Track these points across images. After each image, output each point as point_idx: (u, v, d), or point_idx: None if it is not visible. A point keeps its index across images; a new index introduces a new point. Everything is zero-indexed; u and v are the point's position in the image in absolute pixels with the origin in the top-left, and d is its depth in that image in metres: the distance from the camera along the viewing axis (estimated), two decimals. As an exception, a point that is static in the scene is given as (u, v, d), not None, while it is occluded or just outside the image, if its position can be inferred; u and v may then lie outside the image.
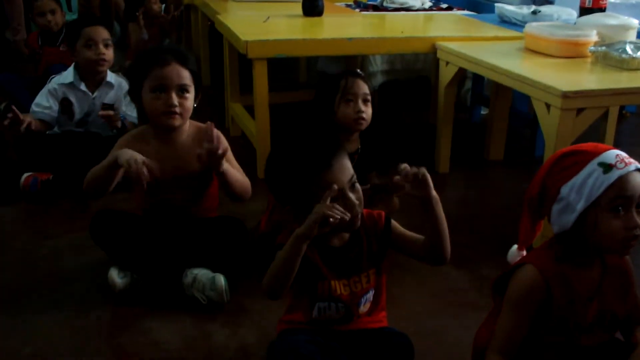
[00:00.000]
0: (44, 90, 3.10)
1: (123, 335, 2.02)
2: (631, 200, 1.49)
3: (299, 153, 1.70)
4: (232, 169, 2.16)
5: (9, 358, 1.89)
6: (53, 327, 2.03)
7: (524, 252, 1.70)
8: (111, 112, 2.93)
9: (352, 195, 1.65)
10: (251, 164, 3.09)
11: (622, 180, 1.48)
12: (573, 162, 1.55)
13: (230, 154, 2.20)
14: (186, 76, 2.14)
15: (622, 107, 4.33)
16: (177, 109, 2.12)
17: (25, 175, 2.90)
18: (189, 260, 2.21)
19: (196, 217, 2.29)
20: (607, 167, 1.49)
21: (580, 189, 1.51)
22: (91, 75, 3.10)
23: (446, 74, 3.15)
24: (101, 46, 3.03)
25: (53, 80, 3.13)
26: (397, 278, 2.27)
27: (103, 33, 3.07)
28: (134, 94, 2.21)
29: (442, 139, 3.31)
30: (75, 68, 3.11)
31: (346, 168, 1.69)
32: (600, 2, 3.20)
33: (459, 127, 3.74)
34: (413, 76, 4.31)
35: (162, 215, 2.27)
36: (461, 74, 3.13)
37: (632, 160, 1.52)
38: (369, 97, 2.44)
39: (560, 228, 1.58)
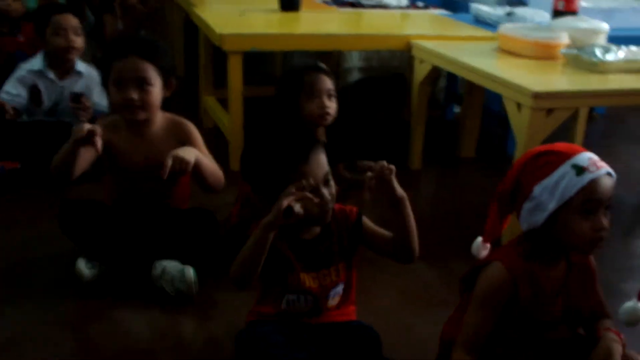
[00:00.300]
0: (12, 77, 3.06)
1: (91, 325, 2.01)
2: (600, 203, 1.53)
3: (278, 144, 1.72)
4: (205, 159, 2.13)
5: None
6: (23, 316, 2.01)
7: (488, 245, 1.72)
8: (83, 104, 2.91)
9: (325, 191, 1.66)
10: (224, 156, 3.05)
11: (594, 184, 1.51)
12: (547, 161, 1.57)
13: (201, 144, 2.21)
14: (146, 69, 2.10)
15: (591, 109, 4.38)
16: (137, 103, 2.08)
17: (-7, 163, 2.87)
18: (158, 251, 2.18)
19: (166, 208, 2.27)
20: (580, 170, 1.52)
21: (553, 190, 1.54)
22: (60, 63, 3.06)
23: (420, 72, 3.16)
24: (71, 34, 2.99)
25: (22, 66, 3.09)
26: (367, 273, 2.24)
27: (73, 21, 3.03)
28: (105, 85, 2.19)
29: (415, 135, 3.31)
30: (45, 56, 3.07)
31: (322, 163, 1.72)
32: (572, 6, 3.23)
33: (433, 124, 3.75)
34: (389, 73, 4.30)
35: (131, 206, 2.25)
36: (435, 72, 3.13)
37: (603, 164, 1.55)
38: (333, 92, 2.42)
39: (529, 226, 1.60)
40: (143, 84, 2.09)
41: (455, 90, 4.14)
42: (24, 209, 2.72)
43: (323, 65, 2.51)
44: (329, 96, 2.40)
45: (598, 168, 1.53)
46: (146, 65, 2.10)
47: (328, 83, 2.41)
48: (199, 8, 3.58)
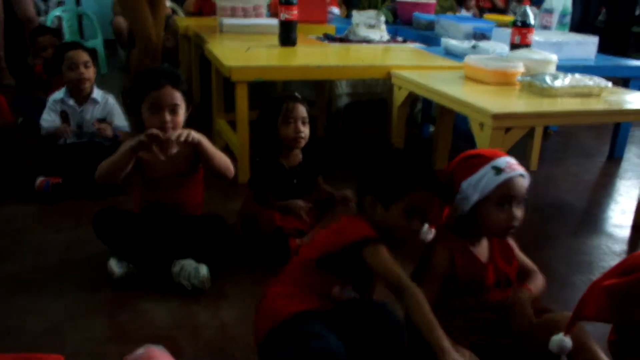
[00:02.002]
0: (46, 108, 3.14)
1: (121, 315, 2.03)
2: (513, 198, 1.63)
3: None
4: (210, 144, 2.22)
5: (26, 334, 1.90)
6: (63, 308, 2.05)
7: (433, 229, 1.75)
8: (103, 126, 3.02)
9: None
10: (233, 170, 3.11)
11: (509, 182, 1.62)
12: (473, 163, 1.67)
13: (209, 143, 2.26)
14: (177, 96, 2.18)
15: (546, 127, 4.41)
16: (169, 125, 2.15)
17: (39, 179, 2.92)
18: (177, 252, 2.22)
19: (184, 215, 2.31)
20: (498, 171, 1.63)
21: (476, 186, 1.64)
22: (77, 92, 3.12)
23: (399, 97, 3.18)
24: (82, 67, 3.06)
25: (49, 98, 3.17)
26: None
27: (83, 56, 3.09)
28: (134, 109, 2.24)
29: (395, 151, 3.33)
30: (66, 87, 3.15)
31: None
32: (527, 40, 3.26)
33: (412, 141, 3.78)
34: (374, 98, 4.33)
35: (155, 214, 2.29)
36: (412, 96, 3.16)
37: (518, 166, 1.66)
38: (307, 119, 2.47)
39: (459, 213, 1.70)
40: (174, 109, 2.17)
41: (429, 112, 4.17)
42: (65, 216, 2.75)
43: (299, 96, 2.55)
44: (303, 122, 2.44)
45: (513, 170, 1.63)
46: (177, 94, 2.18)
47: (303, 111, 2.45)
48: (211, 45, 3.62)
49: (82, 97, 3.12)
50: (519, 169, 1.65)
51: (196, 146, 2.16)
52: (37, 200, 2.90)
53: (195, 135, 2.15)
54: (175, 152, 2.18)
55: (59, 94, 3.14)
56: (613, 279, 1.31)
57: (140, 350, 1.24)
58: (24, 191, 2.95)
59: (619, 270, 1.35)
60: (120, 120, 3.15)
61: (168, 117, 2.15)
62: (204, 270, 2.16)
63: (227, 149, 3.53)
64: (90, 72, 3.11)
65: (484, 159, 1.66)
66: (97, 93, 3.16)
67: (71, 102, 3.12)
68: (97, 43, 6.10)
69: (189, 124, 2.32)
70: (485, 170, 1.63)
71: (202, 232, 2.26)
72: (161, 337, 1.91)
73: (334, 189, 2.60)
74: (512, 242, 1.81)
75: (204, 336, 1.95)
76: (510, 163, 1.65)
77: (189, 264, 2.18)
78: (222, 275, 2.25)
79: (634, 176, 3.67)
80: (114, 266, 2.19)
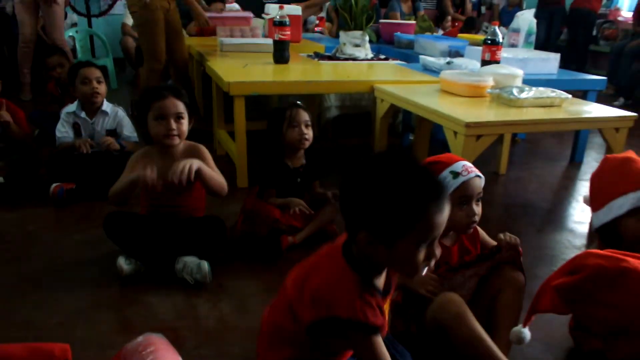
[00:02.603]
0: (60, 120, 3.12)
1: (128, 308, 2.01)
2: (471, 197, 1.66)
3: None
4: (208, 169, 2.20)
5: (40, 326, 1.88)
6: (75, 302, 2.02)
7: None
8: (109, 141, 3.00)
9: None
10: (232, 176, 3.09)
11: (465, 184, 1.64)
12: (434, 169, 1.65)
13: (210, 161, 2.27)
14: (180, 106, 2.19)
15: (514, 134, 4.41)
16: (175, 132, 2.16)
17: (54, 185, 2.89)
18: (180, 250, 2.20)
19: (187, 216, 2.29)
20: (456, 174, 1.65)
21: None
22: (89, 106, 3.10)
23: (381, 109, 3.17)
24: (94, 82, 3.05)
25: (63, 111, 3.16)
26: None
27: (95, 72, 3.09)
28: (141, 121, 2.24)
29: (378, 158, 3.32)
30: (79, 101, 3.13)
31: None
32: (496, 57, 3.27)
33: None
34: (360, 111, 4.32)
35: (160, 216, 2.27)
36: (393, 108, 3.14)
37: (474, 169, 1.68)
38: (309, 123, 2.48)
39: None
40: (179, 117, 2.17)
41: (409, 122, 4.16)
42: (78, 219, 2.73)
43: (300, 103, 2.55)
44: (306, 126, 2.46)
45: (469, 172, 1.65)
46: (180, 103, 2.18)
47: (305, 116, 2.46)
48: (212, 62, 3.61)
49: (93, 110, 3.11)
50: (474, 171, 1.67)
51: (196, 174, 2.13)
52: (51, 205, 2.87)
53: (195, 166, 2.10)
54: (178, 158, 2.17)
55: (71, 107, 3.13)
56: (562, 278, 1.32)
57: (140, 338, 1.22)
58: (39, 197, 2.92)
59: (567, 269, 1.36)
60: (129, 131, 3.14)
61: (174, 124, 2.16)
62: (205, 266, 2.14)
63: (227, 157, 3.52)
64: (102, 87, 3.10)
65: (443, 165, 1.68)
66: (106, 106, 3.15)
67: (83, 114, 3.10)
68: (107, 61, 6.09)
69: (193, 134, 2.32)
70: (445, 175, 1.65)
71: (203, 232, 2.25)
72: (165, 327, 1.89)
73: (325, 190, 2.61)
74: (479, 229, 1.82)
75: (204, 326, 1.93)
76: (466, 167, 1.67)
77: (191, 260, 2.17)
78: (221, 271, 2.23)
79: (588, 174, 3.70)
80: (123, 264, 2.17)
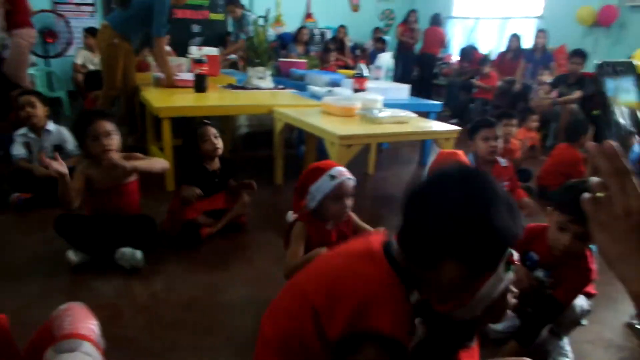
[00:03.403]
0: (14, 143, 2.87)
1: (78, 292, 1.91)
2: (344, 195, 1.69)
3: None
4: (142, 162, 2.14)
5: (3, 311, 1.72)
6: (32, 290, 1.90)
7: (295, 214, 1.81)
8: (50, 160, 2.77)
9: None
10: (162, 182, 3.01)
11: (340, 185, 1.67)
12: (315, 173, 1.71)
13: (143, 158, 2.20)
14: (109, 125, 2.06)
15: (380, 145, 4.56)
16: (109, 147, 2.05)
17: (14, 195, 2.69)
18: (119, 242, 2.11)
19: (124, 215, 2.19)
20: (332, 177, 1.68)
21: (319, 189, 1.68)
22: (32, 127, 2.87)
23: (278, 127, 3.18)
24: (28, 108, 2.82)
25: (15, 134, 2.90)
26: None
27: (30, 99, 2.85)
28: (80, 142, 2.12)
29: (277, 164, 3.33)
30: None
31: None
32: (363, 87, 3.38)
33: (291, 158, 3.80)
34: (265, 129, 4.29)
35: (102, 215, 2.16)
36: (288, 126, 3.17)
37: (346, 174, 1.70)
38: (218, 135, 2.45)
39: (311, 207, 1.73)
40: (109, 134, 2.05)
41: (302, 137, 4.20)
42: (34, 222, 2.54)
43: (208, 122, 2.51)
44: (215, 137, 2.42)
45: (342, 175, 1.69)
46: (108, 124, 2.06)
47: (213, 130, 2.43)
48: (145, 92, 3.46)
49: (38, 129, 2.88)
50: (346, 175, 1.70)
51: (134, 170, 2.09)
52: (11, 211, 2.66)
53: (128, 165, 2.06)
54: (115, 171, 2.08)
55: (22, 129, 2.89)
56: None
57: (63, 306, 1.15)
58: (0, 206, 2.69)
59: None
60: (72, 145, 2.92)
61: (107, 141, 2.04)
62: (138, 254, 2.07)
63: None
64: (36, 111, 2.84)
65: (322, 171, 1.70)
66: (50, 125, 2.92)
67: (31, 134, 2.87)
68: (62, 93, 5.81)
69: (132, 150, 2.24)
70: (324, 178, 1.67)
71: (137, 227, 2.16)
72: (107, 304, 1.83)
73: (238, 182, 2.58)
74: (353, 215, 1.85)
75: (139, 301, 1.87)
76: (340, 171, 1.70)
77: (127, 250, 2.09)
78: (153, 258, 2.17)
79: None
80: (71, 256, 2.07)
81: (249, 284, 2.01)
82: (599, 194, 0.65)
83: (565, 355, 1.68)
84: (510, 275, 0.93)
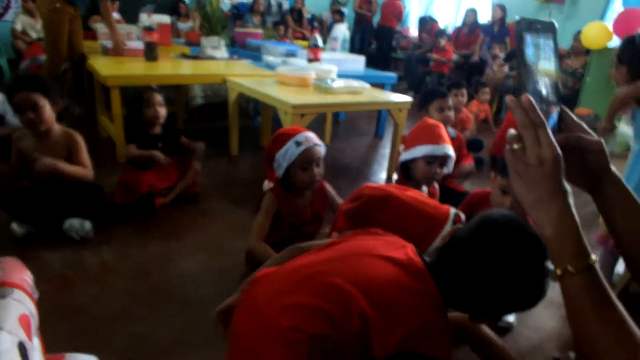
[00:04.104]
0: None
1: (25, 263, 1.82)
2: (311, 162, 1.65)
3: None
4: (68, 167, 2.01)
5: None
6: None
7: (271, 184, 1.78)
8: None
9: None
10: (113, 152, 2.94)
11: (307, 151, 1.63)
12: (281, 139, 1.66)
13: (83, 149, 2.08)
14: (33, 97, 1.92)
15: (337, 116, 4.59)
16: (35, 120, 1.94)
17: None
18: (67, 213, 2.07)
19: (71, 184, 2.11)
20: (298, 144, 1.63)
21: (285, 156, 1.64)
22: None
23: (232, 96, 3.16)
24: None
25: None
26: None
27: None
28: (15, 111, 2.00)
29: (232, 134, 3.31)
30: None
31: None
32: (317, 57, 3.38)
33: (247, 129, 3.79)
34: (221, 100, 4.23)
35: (47, 186, 2.09)
36: (242, 96, 3.14)
37: (313, 139, 1.66)
38: (162, 102, 2.40)
39: (279, 175, 1.70)
40: (35, 107, 1.93)
41: (258, 108, 4.18)
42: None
43: (155, 87, 2.47)
44: (160, 105, 2.38)
45: (309, 141, 1.64)
46: (34, 95, 1.92)
47: (158, 97, 2.39)
48: (93, 60, 3.34)
49: None
50: (315, 141, 1.65)
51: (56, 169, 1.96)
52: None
53: (54, 166, 1.94)
54: (53, 145, 2.02)
55: None
56: (348, 204, 1.38)
57: None
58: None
59: (351, 198, 1.43)
60: (11, 115, 2.78)
61: (31, 115, 1.92)
62: (87, 224, 2.04)
63: (109, 138, 3.32)
64: None
65: (288, 136, 1.64)
66: None
67: None
68: (2, 62, 5.46)
69: (83, 120, 2.16)
70: (290, 144, 1.62)
71: (84, 197, 2.12)
72: (56, 275, 1.80)
73: (191, 141, 2.56)
74: (328, 187, 1.84)
75: (90, 270, 1.86)
76: (307, 137, 1.64)
77: (76, 221, 2.05)
78: (104, 228, 2.14)
79: (388, 145, 3.98)
80: (16, 228, 2.01)
81: (202, 253, 2.02)
82: (515, 146, 0.70)
83: (509, 314, 1.78)
84: None
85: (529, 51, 0.71)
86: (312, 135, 1.67)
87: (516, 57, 0.71)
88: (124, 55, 3.56)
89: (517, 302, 0.92)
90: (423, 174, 1.79)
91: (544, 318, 1.82)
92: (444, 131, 1.82)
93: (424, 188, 1.87)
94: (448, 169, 1.82)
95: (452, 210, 1.19)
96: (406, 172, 1.85)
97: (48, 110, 1.98)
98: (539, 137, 0.67)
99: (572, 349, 1.54)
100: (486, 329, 1.34)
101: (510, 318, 1.73)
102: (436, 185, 1.94)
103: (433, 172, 1.77)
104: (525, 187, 0.68)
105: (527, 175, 0.68)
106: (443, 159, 1.78)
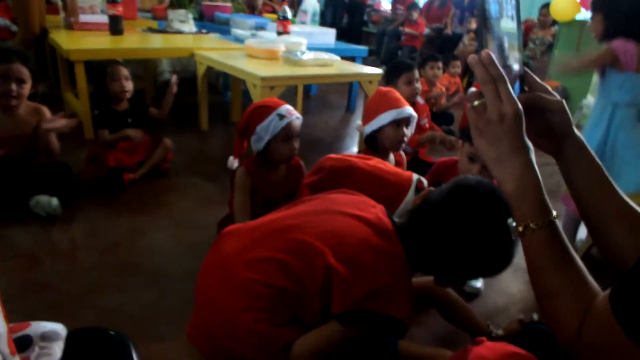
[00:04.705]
0: None
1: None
2: (292, 135, 1.63)
3: None
4: (54, 139, 2.07)
5: None
6: None
7: (237, 159, 1.76)
8: None
9: None
10: (80, 130, 2.85)
11: (288, 125, 1.61)
12: (262, 112, 1.62)
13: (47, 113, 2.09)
14: (24, 72, 1.93)
15: (308, 91, 4.57)
16: (14, 93, 1.92)
17: None
18: (33, 190, 2.03)
19: (38, 162, 2.09)
20: (281, 117, 1.60)
21: (267, 129, 1.60)
22: None
23: (200, 70, 3.11)
24: None
25: None
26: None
27: None
28: None
29: (201, 109, 3.27)
30: None
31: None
32: (287, 29, 3.34)
33: (216, 104, 3.75)
34: (189, 75, 4.15)
35: (10, 164, 2.04)
36: (211, 70, 3.08)
37: (294, 112, 1.64)
38: (128, 76, 2.35)
39: (256, 149, 1.68)
40: (21, 82, 1.94)
41: (227, 83, 4.13)
42: None
43: (120, 60, 2.41)
44: (126, 79, 2.33)
45: (292, 115, 1.62)
46: (24, 69, 1.94)
47: (124, 71, 2.33)
48: (54, 35, 3.23)
49: None
50: (296, 114, 1.64)
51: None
52: None
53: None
54: (20, 121, 1.97)
55: None
56: (311, 177, 1.39)
57: None
58: None
59: (314, 171, 1.43)
60: None
61: (14, 86, 1.91)
62: (54, 201, 2.01)
63: (74, 115, 3.23)
64: None
65: (270, 108, 1.61)
66: None
67: None
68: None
69: (47, 97, 2.10)
70: (273, 117, 1.58)
71: (50, 174, 2.09)
72: (26, 255, 1.77)
73: (159, 110, 2.55)
74: (302, 165, 1.82)
75: (58, 248, 1.83)
76: (289, 110, 1.62)
77: (43, 198, 2.01)
78: (73, 205, 2.11)
79: (360, 119, 4.00)
80: (-18, 206, 1.96)
81: (172, 227, 2.02)
82: (476, 102, 0.70)
83: (477, 279, 1.82)
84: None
85: (491, 8, 0.70)
86: (292, 109, 1.66)
87: (480, 11, 0.71)
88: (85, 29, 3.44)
89: (486, 267, 0.94)
90: (392, 140, 1.81)
91: (510, 282, 1.89)
92: (399, 94, 1.85)
93: (391, 157, 1.89)
94: (411, 130, 1.84)
95: (415, 177, 1.22)
96: (372, 143, 1.87)
97: (28, 87, 1.97)
98: (500, 92, 0.66)
99: (536, 311, 1.60)
100: (454, 294, 1.39)
101: (478, 283, 1.79)
102: (402, 154, 1.97)
103: (402, 134, 1.80)
104: (487, 143, 0.68)
105: (489, 131, 0.68)
106: (407, 120, 1.81)
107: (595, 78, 4.61)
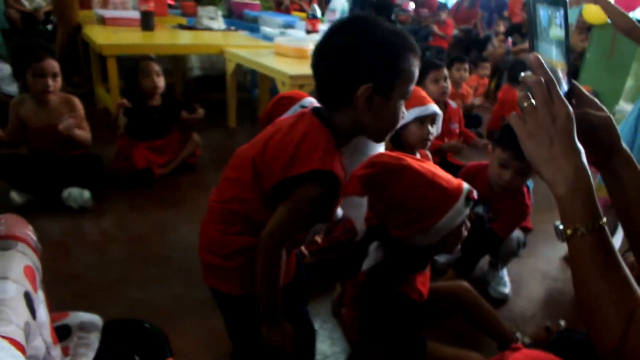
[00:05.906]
0: None
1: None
2: None
3: None
4: (78, 131, 2.07)
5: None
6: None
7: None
8: None
9: None
10: (110, 124, 2.90)
11: None
12: (285, 103, 1.58)
13: (82, 113, 2.12)
14: (56, 66, 1.99)
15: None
16: (51, 89, 1.98)
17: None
18: (66, 182, 2.08)
19: (65, 156, 2.13)
20: (304, 108, 1.56)
21: None
22: None
23: (230, 67, 3.13)
24: None
25: None
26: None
27: None
28: (19, 75, 2.00)
29: (230, 106, 3.29)
30: None
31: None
32: (316, 28, 3.34)
33: (244, 101, 3.77)
34: (217, 72, 4.18)
35: (44, 156, 2.10)
36: (240, 68, 3.11)
37: (317, 103, 1.57)
38: (160, 73, 2.37)
39: None
40: (55, 76, 1.99)
41: (255, 80, 4.14)
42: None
43: (152, 56, 2.43)
44: (157, 75, 2.35)
45: (314, 105, 1.60)
46: (55, 64, 1.99)
47: (155, 67, 2.35)
48: (88, 30, 3.30)
49: None
50: (317, 104, 1.63)
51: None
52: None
53: (69, 126, 2.02)
54: (53, 112, 2.02)
55: None
56: (363, 170, 1.36)
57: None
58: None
59: (367, 164, 1.41)
60: (9, 85, 2.79)
61: (50, 82, 1.97)
62: (86, 194, 2.05)
63: (105, 110, 3.29)
64: None
65: (293, 100, 1.58)
66: None
67: None
68: (-5, 31, 5.35)
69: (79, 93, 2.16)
70: (295, 108, 1.54)
71: (83, 167, 2.13)
72: (56, 243, 1.81)
73: (191, 114, 2.54)
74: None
75: (88, 239, 1.87)
76: (312, 102, 1.55)
77: (75, 190, 2.06)
78: (103, 197, 2.15)
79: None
80: (15, 197, 2.02)
81: (199, 222, 2.03)
82: (525, 104, 0.68)
83: (504, 285, 1.80)
84: (467, 210, 1.11)
85: (540, 18, 0.69)
86: (315, 101, 1.60)
87: (528, 18, 0.69)
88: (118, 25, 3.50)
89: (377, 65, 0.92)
90: (418, 137, 1.78)
91: (537, 289, 1.86)
92: (424, 92, 1.82)
93: (417, 156, 1.87)
94: (437, 128, 1.82)
95: (465, 186, 1.19)
96: (396, 141, 1.84)
97: (60, 80, 2.03)
98: (551, 93, 0.66)
99: (563, 318, 1.56)
100: (480, 299, 1.36)
101: (505, 289, 1.76)
102: (428, 153, 1.94)
103: (426, 132, 1.77)
104: (537, 145, 0.67)
105: (540, 132, 0.66)
106: (432, 118, 1.78)
107: (629, 83, 4.50)
